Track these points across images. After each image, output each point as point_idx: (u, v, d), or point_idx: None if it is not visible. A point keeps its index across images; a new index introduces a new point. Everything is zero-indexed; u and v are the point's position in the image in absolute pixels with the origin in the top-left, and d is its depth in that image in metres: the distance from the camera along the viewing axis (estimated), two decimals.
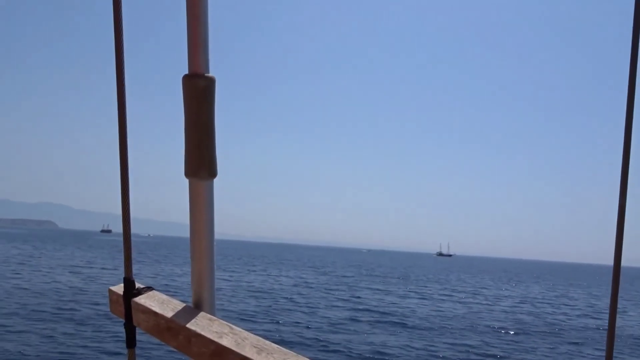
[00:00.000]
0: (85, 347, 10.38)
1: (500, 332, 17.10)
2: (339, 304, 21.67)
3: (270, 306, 19.11)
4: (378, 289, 30.45)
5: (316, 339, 13.36)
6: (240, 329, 0.97)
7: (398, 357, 12.13)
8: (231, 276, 32.66)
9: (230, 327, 0.98)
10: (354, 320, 17.34)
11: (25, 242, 66.87)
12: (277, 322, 15.58)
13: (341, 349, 12.37)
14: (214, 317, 1.03)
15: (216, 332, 0.96)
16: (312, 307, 19.66)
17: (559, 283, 55.08)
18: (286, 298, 22.30)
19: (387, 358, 11.93)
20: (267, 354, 0.89)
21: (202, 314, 1.04)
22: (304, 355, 0.89)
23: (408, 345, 13.48)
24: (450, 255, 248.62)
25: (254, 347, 0.91)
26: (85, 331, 11.95)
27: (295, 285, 29.66)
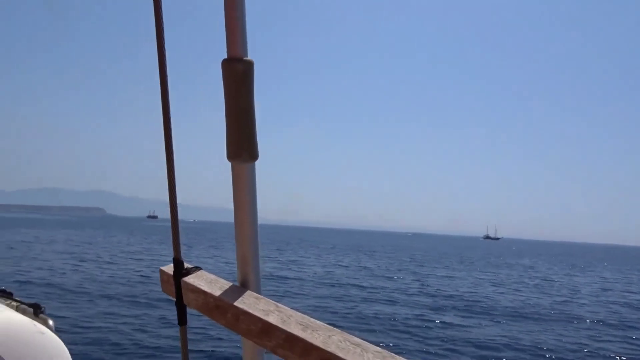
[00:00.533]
0: (140, 326, 10.83)
1: (609, 326, 15.16)
2: (413, 292, 20.15)
3: (344, 296, 17.54)
4: (444, 275, 28.89)
5: (422, 337, 11.74)
6: (286, 307, 0.98)
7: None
8: (290, 263, 30.83)
9: (276, 305, 0.99)
10: (441, 310, 15.81)
11: (79, 229, 68.79)
12: (362, 317, 13.75)
13: (459, 348, 10.92)
14: (260, 296, 1.04)
15: (263, 309, 0.97)
16: (389, 297, 18.00)
17: (623, 268, 51.51)
18: (357, 286, 20.64)
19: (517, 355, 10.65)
20: (312, 330, 0.90)
21: (248, 292, 1.05)
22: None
23: (519, 339, 12.02)
24: (497, 239, 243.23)
25: (300, 324, 0.92)
26: (139, 310, 12.49)
27: (359, 270, 28.12)
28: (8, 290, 1.58)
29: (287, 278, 21.83)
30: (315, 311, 13.62)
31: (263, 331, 0.94)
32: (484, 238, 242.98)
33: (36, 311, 1.49)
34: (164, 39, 1.05)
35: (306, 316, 0.96)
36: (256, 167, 1.07)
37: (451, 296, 19.52)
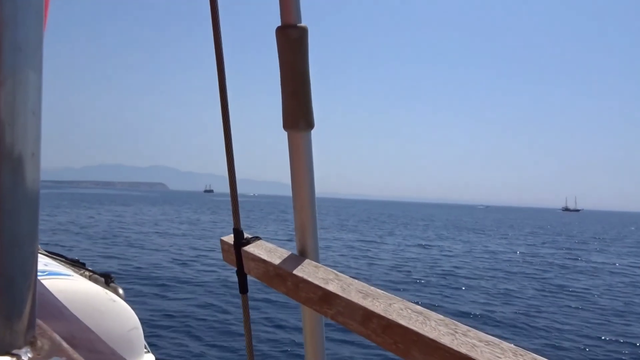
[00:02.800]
0: (204, 294, 11.12)
1: None
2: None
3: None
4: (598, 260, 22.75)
5: None
6: (345, 276, 0.98)
7: None
8: (414, 246, 24.58)
9: (335, 273, 0.99)
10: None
11: (154, 205, 69.11)
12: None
13: None
14: (319, 264, 1.04)
15: (322, 278, 0.97)
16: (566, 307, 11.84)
17: None
18: (540, 281, 15.48)
19: None
20: (373, 299, 0.89)
21: (307, 261, 1.05)
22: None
23: None
24: (578, 210, 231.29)
25: (360, 292, 0.91)
26: (203, 279, 12.80)
27: (495, 255, 22.42)
28: (81, 260, 1.68)
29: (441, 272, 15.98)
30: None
31: (323, 299, 0.94)
32: (563, 210, 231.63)
33: (107, 280, 1.59)
34: (218, 15, 1.06)
35: (366, 284, 0.95)
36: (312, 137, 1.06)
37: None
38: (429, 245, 25.60)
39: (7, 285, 0.44)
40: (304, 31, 0.99)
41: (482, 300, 12.12)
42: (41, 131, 0.46)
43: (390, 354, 0.85)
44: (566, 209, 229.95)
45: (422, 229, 40.86)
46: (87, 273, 1.61)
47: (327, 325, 1.14)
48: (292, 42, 0.99)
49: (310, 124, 1.03)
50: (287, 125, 1.03)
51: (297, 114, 1.01)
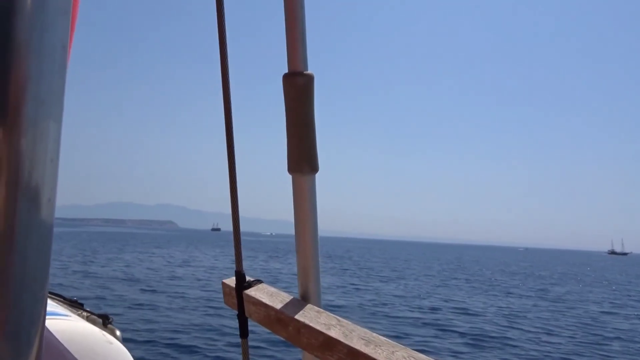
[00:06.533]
0: (203, 337, 10.92)
1: None
2: None
3: None
4: None
5: None
6: (348, 321, 0.97)
7: None
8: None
9: (337, 319, 0.99)
10: None
11: (161, 244, 65.04)
12: None
13: None
14: (321, 309, 1.04)
15: (324, 323, 0.97)
16: None
17: None
18: None
19: None
20: (375, 345, 0.88)
21: (309, 306, 1.05)
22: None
23: None
24: (625, 254, 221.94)
25: (362, 338, 0.91)
26: (203, 321, 12.65)
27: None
28: (79, 301, 1.66)
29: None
30: None
31: (324, 345, 0.93)
32: (609, 253, 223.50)
33: (105, 322, 1.55)
34: (227, 57, 1.08)
35: (369, 331, 0.94)
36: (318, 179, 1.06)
37: None
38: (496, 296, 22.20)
39: (15, 330, 0.44)
40: (310, 78, 1.02)
41: None
42: (58, 177, 0.47)
43: None
44: (612, 252, 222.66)
45: (476, 274, 36.17)
46: (84, 314, 1.58)
47: None
48: (298, 89, 1.01)
49: (314, 168, 1.04)
50: (291, 169, 1.04)
51: (302, 158, 1.03)
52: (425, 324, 13.80)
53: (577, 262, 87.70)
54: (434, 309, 16.70)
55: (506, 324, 14.85)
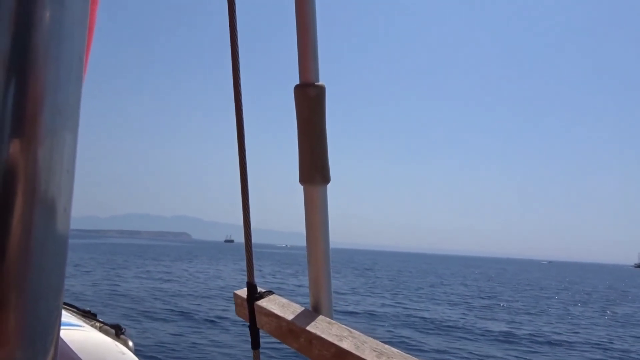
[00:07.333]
0: (215, 348, 10.89)
1: None
2: None
3: None
4: None
5: None
6: (360, 333, 0.97)
7: None
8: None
9: (349, 330, 0.98)
10: None
11: (176, 256, 62.35)
12: None
13: None
14: (333, 321, 1.03)
15: (336, 335, 0.97)
16: None
17: None
18: None
19: None
20: (387, 357, 0.88)
21: (320, 317, 1.05)
22: None
23: None
24: None
25: (374, 350, 0.90)
26: (215, 332, 12.72)
27: None
28: (92, 311, 1.67)
29: None
30: None
31: (336, 357, 0.93)
32: (636, 267, 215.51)
33: (117, 332, 1.56)
34: (239, 68, 1.09)
35: (381, 343, 0.93)
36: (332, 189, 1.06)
37: None
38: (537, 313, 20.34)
39: (31, 339, 0.44)
40: (321, 89, 1.02)
41: None
42: (73, 187, 0.47)
43: None
44: (638, 266, 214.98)
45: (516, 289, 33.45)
46: (97, 324, 1.59)
47: None
48: (309, 100, 1.02)
49: (326, 179, 1.04)
50: (303, 180, 1.05)
51: (313, 168, 1.03)
52: None
53: (607, 276, 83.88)
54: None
55: None
